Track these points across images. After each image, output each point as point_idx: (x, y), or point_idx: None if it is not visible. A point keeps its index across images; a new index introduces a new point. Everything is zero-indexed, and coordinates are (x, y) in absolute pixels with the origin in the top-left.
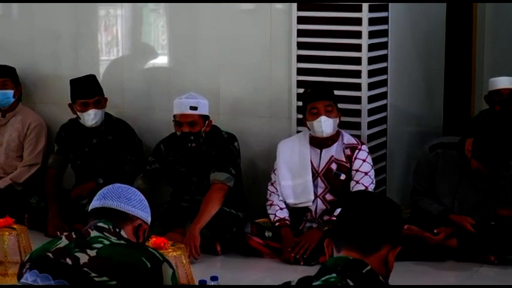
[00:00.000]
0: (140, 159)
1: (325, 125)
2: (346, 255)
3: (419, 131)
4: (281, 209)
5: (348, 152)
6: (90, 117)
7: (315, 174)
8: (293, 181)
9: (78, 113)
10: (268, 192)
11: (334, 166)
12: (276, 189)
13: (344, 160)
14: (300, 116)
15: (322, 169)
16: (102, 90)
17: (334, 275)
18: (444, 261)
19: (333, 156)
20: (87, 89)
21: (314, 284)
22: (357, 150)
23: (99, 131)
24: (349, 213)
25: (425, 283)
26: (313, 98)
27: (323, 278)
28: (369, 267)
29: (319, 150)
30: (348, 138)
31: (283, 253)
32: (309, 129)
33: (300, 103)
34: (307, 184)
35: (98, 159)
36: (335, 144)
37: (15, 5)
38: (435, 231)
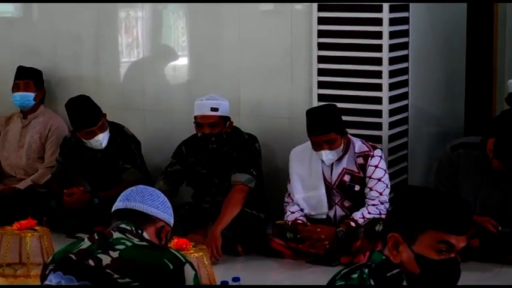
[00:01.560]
0: (138, 166)
1: (327, 158)
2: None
3: (440, 131)
4: (292, 212)
5: (360, 160)
6: (99, 143)
7: (329, 187)
8: (306, 194)
9: (84, 139)
10: (285, 203)
11: (347, 178)
12: (291, 200)
13: (356, 170)
14: None
15: (335, 182)
16: (100, 109)
17: (366, 270)
18: (466, 262)
19: (344, 168)
20: (89, 117)
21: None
22: (369, 158)
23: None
24: None
25: None
26: (314, 132)
27: (357, 271)
28: (395, 271)
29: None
30: (359, 146)
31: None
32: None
33: (321, 103)
34: (320, 197)
35: (103, 173)
36: (346, 156)
37: (36, 8)
38: None
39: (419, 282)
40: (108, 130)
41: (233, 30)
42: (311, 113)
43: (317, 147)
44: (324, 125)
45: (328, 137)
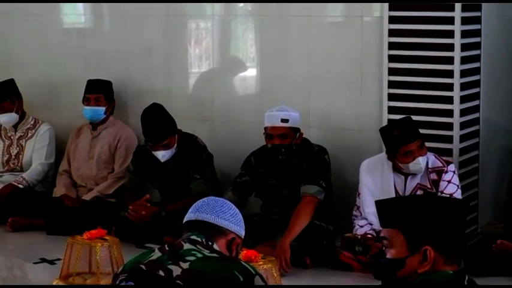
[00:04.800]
0: (206, 177)
1: (423, 164)
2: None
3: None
4: (361, 226)
5: (433, 176)
6: (159, 156)
7: None
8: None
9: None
10: (353, 216)
11: (419, 193)
12: (360, 213)
13: (429, 186)
14: None
15: None
16: (172, 129)
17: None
18: None
19: (418, 183)
20: (155, 135)
21: None
22: (443, 173)
23: (173, 155)
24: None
25: None
26: (406, 140)
27: None
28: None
29: (403, 177)
30: (432, 161)
31: None
32: (401, 168)
33: (392, 116)
34: None
35: (174, 182)
36: None
37: (107, 19)
38: None
39: None
40: (174, 148)
41: (302, 41)
42: (395, 124)
43: (410, 157)
44: (415, 130)
45: (420, 141)
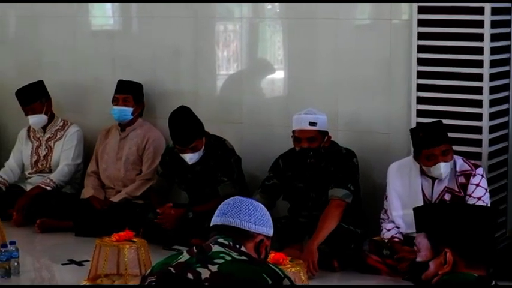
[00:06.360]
0: (234, 180)
1: (444, 170)
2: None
3: None
4: (388, 230)
5: (462, 179)
6: (187, 159)
7: None
8: (404, 211)
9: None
10: (380, 220)
11: (447, 197)
12: (388, 216)
13: (457, 190)
14: None
15: (436, 200)
16: (199, 132)
17: None
18: None
19: (446, 186)
20: (182, 138)
21: None
22: (471, 177)
23: (201, 158)
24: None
25: None
26: (429, 144)
27: None
28: (493, 283)
29: (431, 181)
30: (461, 164)
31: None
32: (424, 170)
33: (421, 119)
34: None
35: (202, 185)
36: (448, 174)
37: (135, 21)
38: None
39: None
40: (201, 150)
41: (330, 44)
42: (423, 126)
43: (432, 161)
44: (441, 135)
45: (445, 147)
